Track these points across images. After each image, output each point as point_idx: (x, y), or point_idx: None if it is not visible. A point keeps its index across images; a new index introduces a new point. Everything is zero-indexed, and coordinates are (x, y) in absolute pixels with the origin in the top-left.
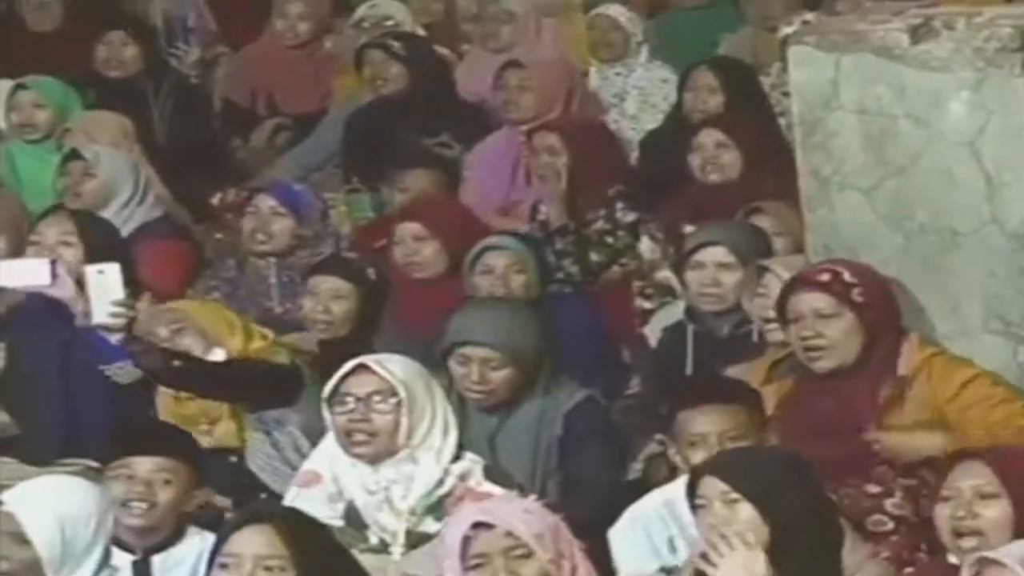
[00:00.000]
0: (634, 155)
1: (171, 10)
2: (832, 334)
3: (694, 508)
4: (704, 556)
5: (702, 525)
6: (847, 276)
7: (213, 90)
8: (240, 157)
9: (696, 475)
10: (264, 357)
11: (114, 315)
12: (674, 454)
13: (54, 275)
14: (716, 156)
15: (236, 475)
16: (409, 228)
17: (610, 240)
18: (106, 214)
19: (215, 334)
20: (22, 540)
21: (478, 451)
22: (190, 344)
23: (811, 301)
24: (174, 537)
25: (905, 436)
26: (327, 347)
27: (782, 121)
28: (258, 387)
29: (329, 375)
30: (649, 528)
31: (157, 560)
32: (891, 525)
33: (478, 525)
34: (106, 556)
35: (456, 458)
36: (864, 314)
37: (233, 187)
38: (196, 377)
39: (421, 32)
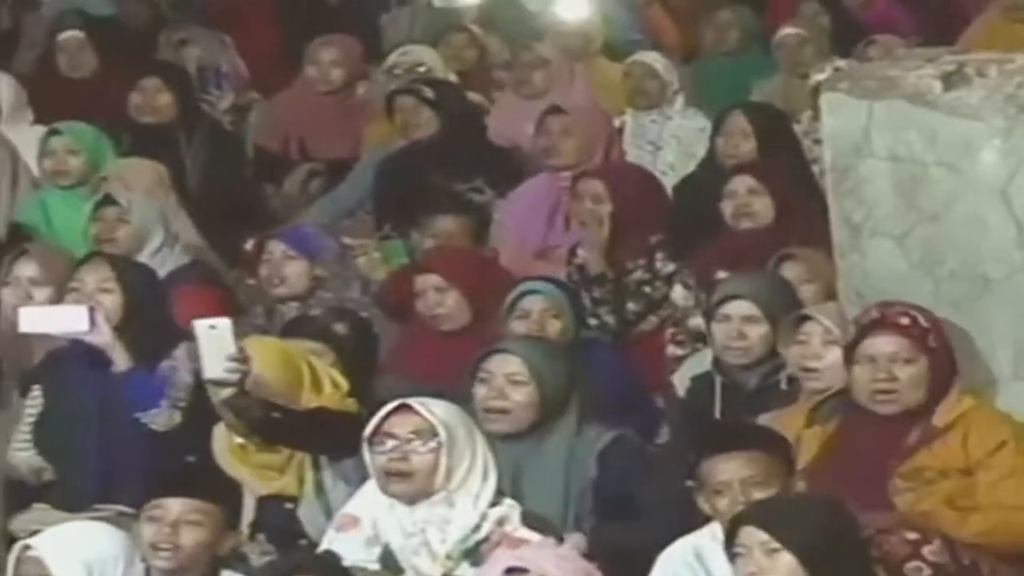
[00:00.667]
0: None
1: (204, 56)
2: (905, 378)
3: (732, 556)
4: None
5: (741, 574)
6: (923, 320)
7: (246, 136)
8: (273, 203)
9: (735, 524)
10: (337, 407)
11: (230, 371)
12: (702, 502)
13: (92, 322)
14: (748, 203)
15: (288, 522)
16: (429, 280)
17: (648, 290)
18: (139, 260)
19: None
20: None
21: (503, 486)
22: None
23: (889, 344)
24: None
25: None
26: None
27: (814, 167)
28: (337, 437)
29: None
30: None
31: None
32: (929, 572)
33: (512, 571)
34: None
35: (494, 503)
36: (935, 360)
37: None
38: (291, 427)
39: (453, 78)
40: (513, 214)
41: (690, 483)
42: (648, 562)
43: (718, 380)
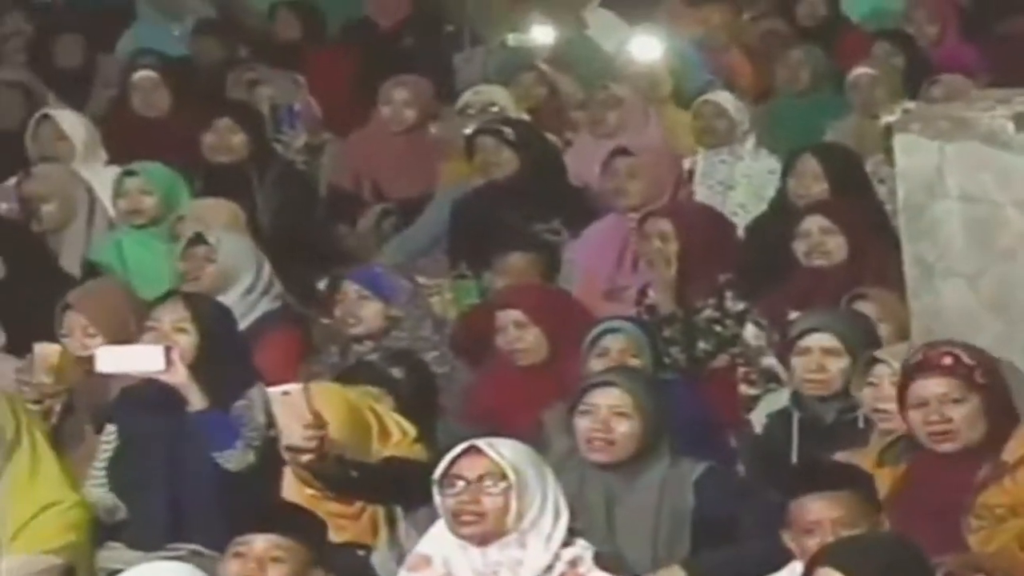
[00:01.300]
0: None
1: (277, 96)
2: (959, 417)
3: None
4: None
5: None
6: (966, 359)
7: (319, 176)
8: (347, 243)
9: (812, 564)
10: (406, 455)
11: (308, 438)
12: (790, 540)
13: (168, 361)
14: (821, 242)
15: (362, 569)
16: (510, 315)
17: (718, 329)
18: (226, 300)
19: (357, 435)
20: None
21: (595, 516)
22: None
23: (936, 386)
24: None
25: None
26: None
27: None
28: (411, 486)
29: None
30: None
31: None
32: None
33: None
34: None
35: (566, 544)
36: (987, 396)
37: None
38: (367, 482)
39: (525, 117)
40: (582, 254)
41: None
42: None
43: (795, 415)
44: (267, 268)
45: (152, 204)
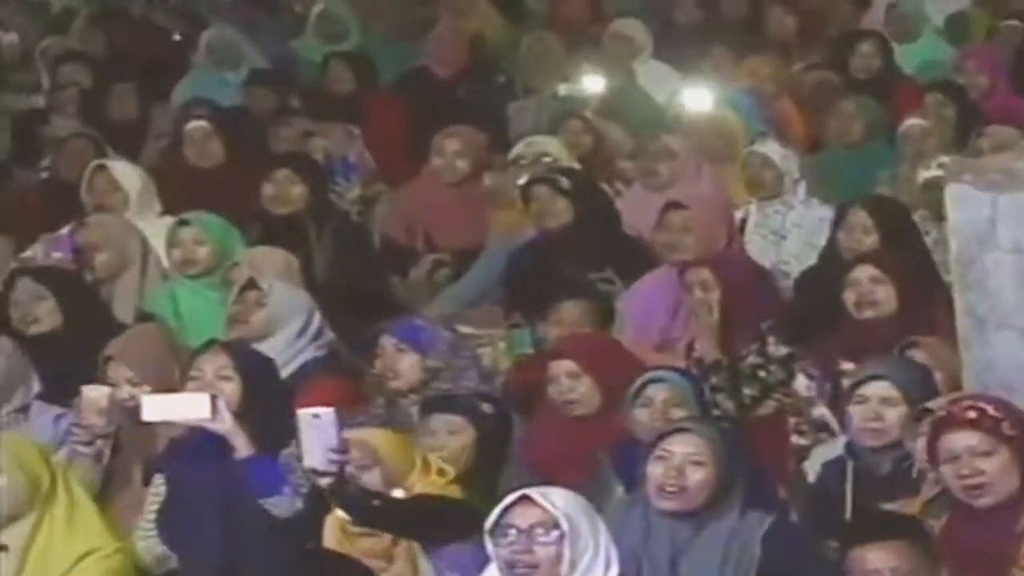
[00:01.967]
0: (790, 292)
1: (331, 147)
2: (991, 470)
3: None
4: None
5: None
6: (992, 411)
7: (372, 227)
8: (399, 293)
9: None
10: (441, 493)
11: (331, 461)
12: None
13: (214, 409)
14: (871, 292)
15: None
16: (563, 365)
17: (763, 375)
18: (273, 345)
19: (399, 470)
20: None
21: (659, 566)
22: (372, 481)
23: (964, 440)
24: None
25: None
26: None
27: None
28: (436, 523)
29: None
30: None
31: None
32: None
33: None
34: None
35: None
36: (1018, 447)
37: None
38: (393, 515)
39: (576, 167)
40: (634, 306)
41: None
42: None
43: (850, 464)
44: (317, 316)
45: (206, 254)
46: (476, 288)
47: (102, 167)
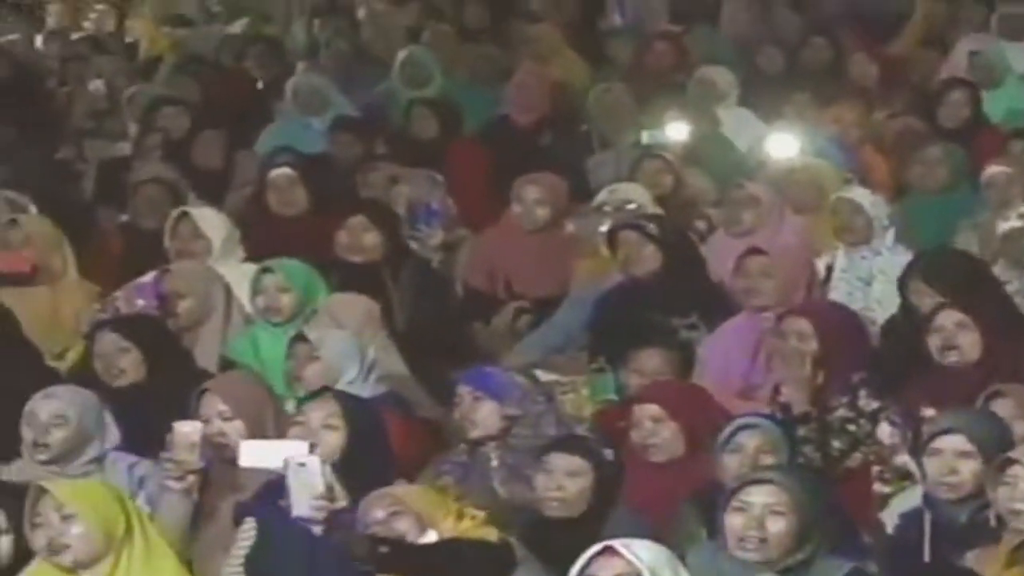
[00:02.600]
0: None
1: (414, 193)
2: None
3: None
4: None
5: None
6: None
7: (455, 273)
8: (481, 340)
9: None
10: (473, 535)
11: (316, 508)
12: None
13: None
14: (955, 336)
15: None
16: (647, 410)
17: (852, 428)
18: None
19: (429, 517)
20: None
21: None
22: (404, 528)
23: None
24: None
25: None
26: (556, 526)
27: None
28: (469, 566)
29: (554, 554)
30: None
31: None
32: None
33: None
34: None
35: None
36: None
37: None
38: (405, 560)
39: (657, 209)
40: (715, 352)
41: None
42: None
43: (927, 516)
44: (371, 354)
45: (289, 301)
46: (558, 335)
47: (186, 214)
